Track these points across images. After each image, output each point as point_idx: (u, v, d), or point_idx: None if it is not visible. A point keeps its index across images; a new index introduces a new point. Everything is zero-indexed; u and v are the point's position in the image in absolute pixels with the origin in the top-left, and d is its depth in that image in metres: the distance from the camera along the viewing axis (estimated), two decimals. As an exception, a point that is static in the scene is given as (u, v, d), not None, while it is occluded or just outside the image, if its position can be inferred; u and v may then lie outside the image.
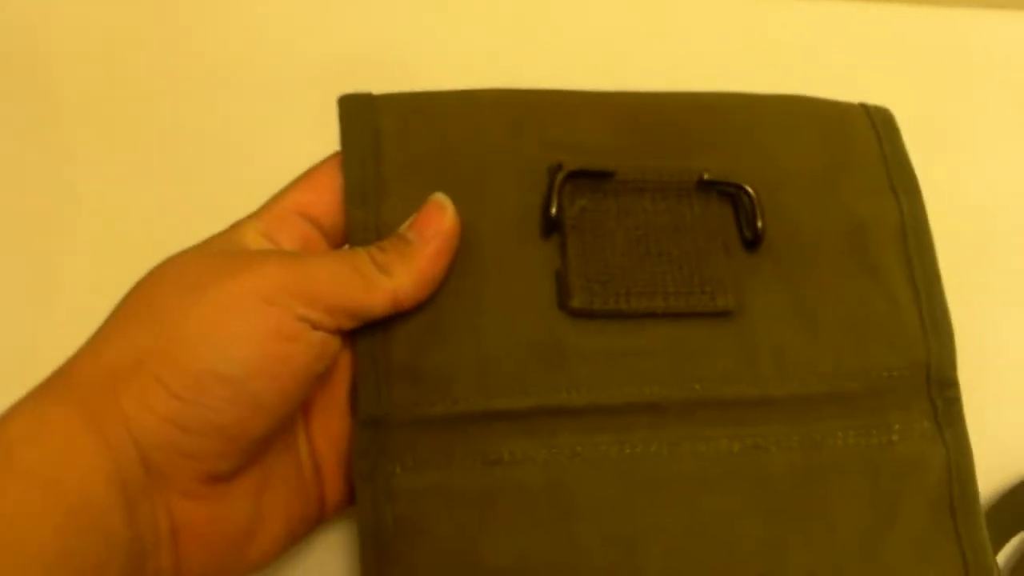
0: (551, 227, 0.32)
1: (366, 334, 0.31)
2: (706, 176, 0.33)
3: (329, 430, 0.32)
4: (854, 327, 0.33)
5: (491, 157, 0.33)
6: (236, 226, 0.31)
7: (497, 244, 0.32)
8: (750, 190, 0.33)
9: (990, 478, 0.37)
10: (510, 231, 0.32)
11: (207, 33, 0.48)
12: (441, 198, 0.31)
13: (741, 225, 0.33)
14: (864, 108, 0.37)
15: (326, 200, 0.32)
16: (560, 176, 0.32)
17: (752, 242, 0.33)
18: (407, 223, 0.31)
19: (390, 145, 0.33)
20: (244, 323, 0.28)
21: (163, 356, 0.27)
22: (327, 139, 0.33)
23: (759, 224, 0.32)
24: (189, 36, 0.47)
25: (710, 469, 0.31)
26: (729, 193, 0.33)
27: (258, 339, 0.28)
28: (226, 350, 0.27)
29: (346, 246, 0.32)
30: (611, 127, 0.34)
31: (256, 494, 0.30)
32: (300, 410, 0.32)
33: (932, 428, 0.32)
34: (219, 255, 0.30)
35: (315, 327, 0.29)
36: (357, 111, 0.33)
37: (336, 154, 0.33)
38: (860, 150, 0.36)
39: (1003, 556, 0.37)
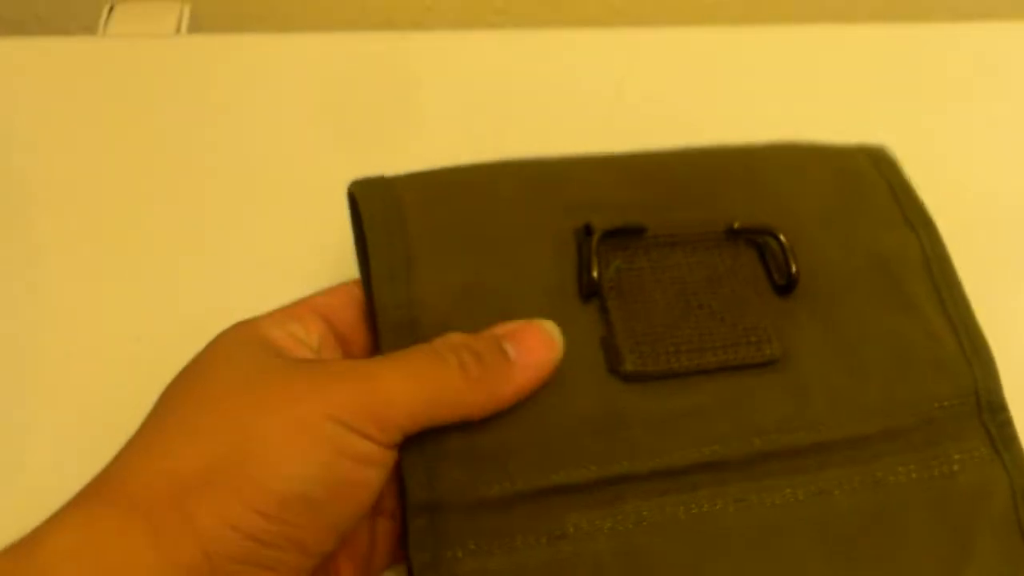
0: (591, 291, 0.32)
1: None
2: (736, 225, 0.33)
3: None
4: (898, 362, 0.33)
5: (516, 225, 0.33)
6: (253, 324, 0.31)
7: (537, 312, 0.31)
8: (781, 236, 0.33)
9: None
10: (548, 298, 0.32)
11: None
12: (553, 329, 0.30)
13: (770, 271, 0.33)
14: (862, 149, 0.38)
15: (345, 309, 0.32)
16: (596, 237, 0.32)
17: (786, 287, 0.33)
18: (506, 332, 0.30)
19: (414, 218, 0.32)
20: (318, 447, 0.27)
21: (243, 471, 0.26)
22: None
23: (793, 268, 0.33)
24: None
25: (777, 519, 0.30)
26: (755, 241, 0.34)
27: (333, 463, 0.27)
28: (310, 474, 0.27)
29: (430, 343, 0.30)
30: (629, 182, 0.34)
31: None
32: None
33: (990, 454, 0.32)
34: (281, 364, 0.29)
35: (389, 445, 0.28)
36: (373, 190, 0.33)
37: (355, 280, 0.33)
38: (869, 189, 0.37)
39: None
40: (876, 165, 0.37)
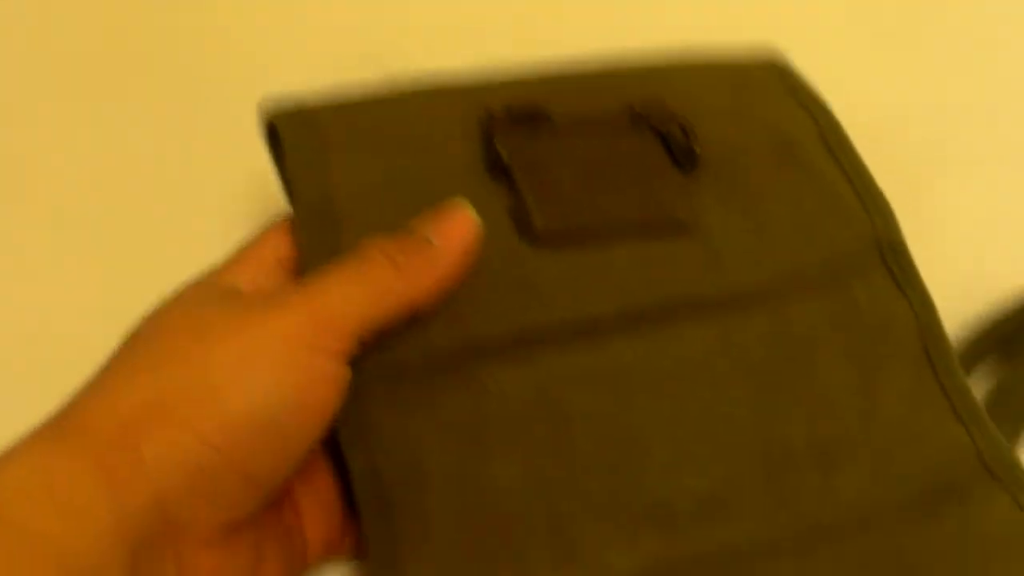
0: (497, 167, 0.33)
1: None
2: (638, 108, 0.35)
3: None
4: (800, 216, 0.35)
5: (426, 118, 0.34)
6: (217, 273, 0.31)
7: (448, 187, 0.32)
8: (680, 118, 0.35)
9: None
10: (460, 179, 0.33)
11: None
12: (467, 207, 0.31)
13: (674, 154, 0.34)
14: (754, 53, 0.40)
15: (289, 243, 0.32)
16: (500, 115, 0.33)
17: (688, 164, 0.34)
18: (425, 221, 0.30)
19: (327, 117, 0.34)
20: (274, 366, 0.27)
21: (191, 403, 0.26)
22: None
23: (696, 148, 0.34)
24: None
25: (692, 363, 0.31)
26: (657, 128, 0.35)
27: (290, 381, 0.27)
28: (259, 394, 0.27)
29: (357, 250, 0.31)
30: (537, 81, 0.36)
31: (258, 538, 0.29)
32: None
33: (894, 290, 0.34)
34: (228, 298, 0.29)
35: (341, 359, 0.28)
36: (283, 104, 0.34)
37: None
38: (763, 82, 0.39)
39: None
40: (770, 67, 0.39)
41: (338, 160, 0.33)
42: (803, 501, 0.30)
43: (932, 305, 0.34)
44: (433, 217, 0.31)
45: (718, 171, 0.35)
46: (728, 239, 0.33)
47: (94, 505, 0.25)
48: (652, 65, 0.38)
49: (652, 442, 0.30)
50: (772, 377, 0.32)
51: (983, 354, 0.38)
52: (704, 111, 0.36)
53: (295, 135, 0.33)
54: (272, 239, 0.32)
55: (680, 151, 0.34)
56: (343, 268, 0.29)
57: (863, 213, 0.35)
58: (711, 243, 0.33)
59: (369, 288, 0.28)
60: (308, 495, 0.31)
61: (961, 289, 0.37)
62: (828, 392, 0.32)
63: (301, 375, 0.27)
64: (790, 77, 0.39)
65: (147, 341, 0.28)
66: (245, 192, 0.42)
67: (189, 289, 0.30)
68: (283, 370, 0.27)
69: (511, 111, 0.34)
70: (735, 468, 0.30)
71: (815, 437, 0.31)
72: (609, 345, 0.31)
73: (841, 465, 0.31)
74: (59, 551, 0.24)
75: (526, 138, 0.33)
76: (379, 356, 0.30)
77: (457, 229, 0.30)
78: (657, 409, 0.31)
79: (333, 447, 0.31)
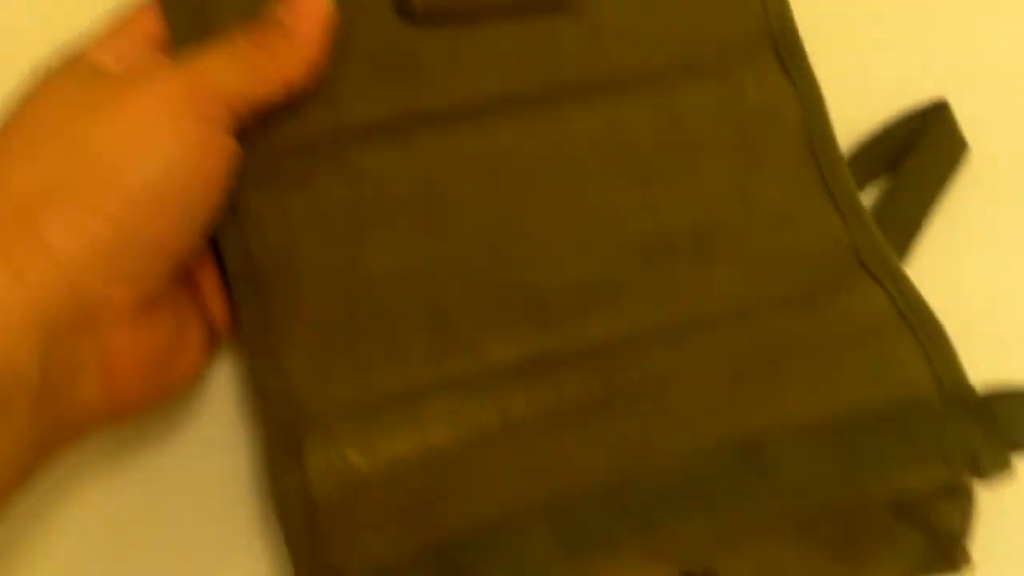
0: None
1: None
2: None
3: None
4: (693, 2, 0.33)
5: None
6: (86, 50, 0.30)
7: None
8: None
9: (852, 127, 0.38)
10: None
11: None
12: None
13: None
14: None
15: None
16: None
17: None
18: (277, 5, 0.30)
19: None
20: (162, 136, 0.27)
21: (85, 182, 0.26)
22: None
23: None
24: None
25: (574, 149, 0.31)
26: None
27: (181, 149, 0.27)
28: (153, 164, 0.27)
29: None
30: None
31: (176, 312, 0.30)
32: None
33: (783, 80, 0.34)
34: (100, 77, 0.29)
35: (221, 129, 0.28)
36: None
37: None
38: None
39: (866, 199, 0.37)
40: None
41: None
42: (681, 292, 0.31)
43: (819, 95, 0.34)
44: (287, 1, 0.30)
45: None
46: (613, 18, 0.32)
47: (5, 299, 0.25)
48: None
49: (533, 230, 0.30)
50: (656, 164, 0.31)
51: (872, 173, 0.37)
52: None
53: None
54: (140, 16, 0.31)
55: None
56: (212, 47, 0.29)
57: (759, 3, 0.34)
58: (596, 22, 0.32)
59: (238, 65, 0.29)
60: (209, 278, 0.31)
61: (854, 104, 0.36)
62: (711, 181, 0.32)
63: (190, 143, 0.27)
64: None
65: (23, 128, 0.28)
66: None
67: (55, 71, 0.29)
68: (171, 139, 0.27)
69: None
70: (616, 258, 0.31)
71: (696, 226, 0.31)
72: (491, 128, 0.31)
73: (719, 255, 0.31)
74: None
75: None
76: (255, 139, 0.29)
77: (308, 7, 0.30)
78: (539, 196, 0.30)
79: None
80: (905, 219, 0.36)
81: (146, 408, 0.30)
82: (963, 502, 0.30)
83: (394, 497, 0.29)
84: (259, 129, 0.29)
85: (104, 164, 0.26)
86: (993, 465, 0.29)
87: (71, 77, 0.29)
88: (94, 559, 0.33)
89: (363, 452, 0.29)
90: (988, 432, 0.29)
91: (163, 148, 0.27)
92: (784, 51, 0.34)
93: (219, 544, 0.33)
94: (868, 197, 0.37)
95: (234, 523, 0.33)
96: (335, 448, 0.29)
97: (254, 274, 0.29)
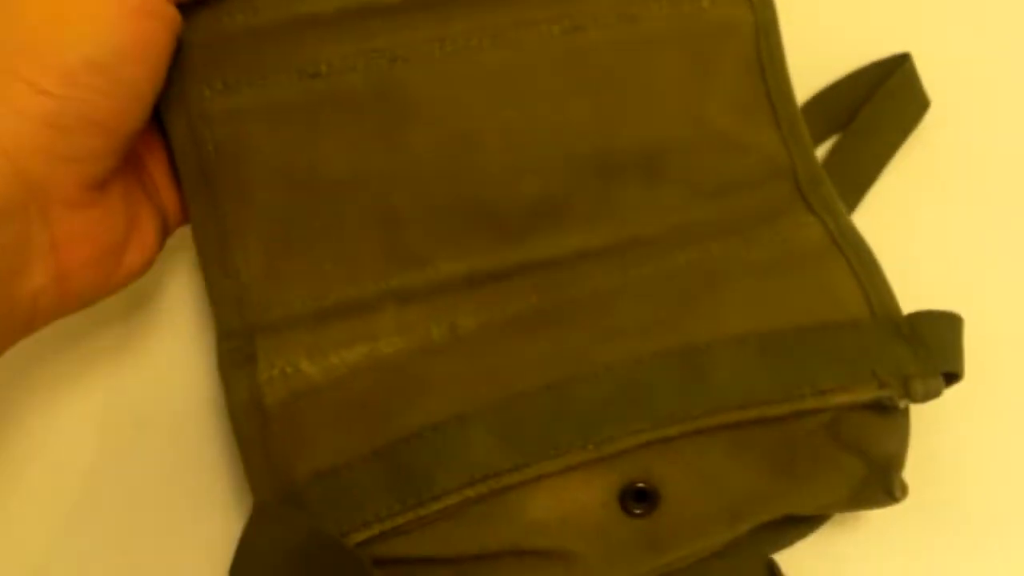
0: None
1: None
2: None
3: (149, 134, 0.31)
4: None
5: None
6: None
7: None
8: None
9: (811, 79, 0.38)
10: None
11: None
12: None
13: None
14: None
15: None
16: None
17: None
18: None
19: None
20: (95, 2, 0.26)
21: (21, 53, 0.25)
22: None
23: None
24: None
25: (534, 56, 0.31)
26: None
27: (121, 18, 0.26)
28: (91, 34, 0.26)
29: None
30: None
31: (127, 198, 0.29)
32: None
33: None
34: None
35: None
36: None
37: None
38: None
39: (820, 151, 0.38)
40: None
41: None
42: (628, 213, 0.31)
43: (774, 15, 0.34)
44: None
45: None
46: None
47: None
48: None
49: (487, 141, 0.30)
50: (613, 73, 0.31)
51: (831, 126, 0.38)
52: None
53: None
54: None
55: None
56: None
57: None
58: None
59: None
60: (158, 164, 0.31)
61: (813, 56, 0.36)
62: (664, 96, 0.32)
63: (128, 8, 0.26)
64: None
65: None
66: None
67: None
68: (103, 7, 0.26)
69: None
70: (568, 175, 0.31)
71: (647, 146, 0.31)
72: (449, 30, 0.30)
73: (668, 177, 0.31)
74: None
75: None
76: (202, 23, 0.29)
77: None
78: (495, 101, 0.30)
79: None
80: (857, 169, 0.37)
81: (97, 297, 0.29)
82: (898, 427, 0.31)
83: (344, 404, 0.29)
84: (206, 12, 0.29)
85: (41, 35, 0.25)
86: (923, 386, 0.29)
87: None
88: (54, 473, 0.33)
89: (315, 361, 0.29)
90: (917, 354, 0.30)
91: (99, 18, 0.26)
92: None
93: (177, 459, 0.33)
94: (825, 151, 0.38)
95: (195, 435, 0.34)
96: (287, 357, 0.29)
97: (203, 168, 0.29)
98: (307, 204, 0.29)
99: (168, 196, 0.31)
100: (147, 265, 0.30)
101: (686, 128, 0.32)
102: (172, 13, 0.28)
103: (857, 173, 0.37)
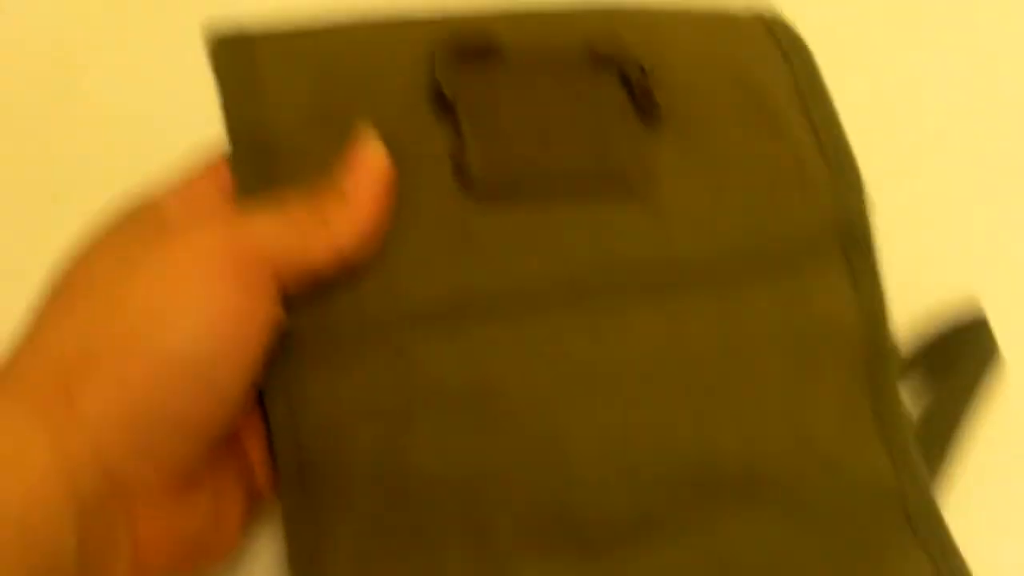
0: (440, 103, 0.30)
1: None
2: (599, 48, 0.32)
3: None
4: (764, 187, 0.32)
5: (373, 47, 0.32)
6: (153, 198, 0.29)
7: (389, 123, 0.30)
8: (644, 64, 0.32)
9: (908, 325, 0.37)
10: (401, 112, 0.31)
11: None
12: (368, 139, 0.29)
13: (637, 99, 0.32)
14: (751, 10, 0.37)
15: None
16: (448, 50, 0.31)
17: (649, 115, 0.32)
18: (339, 168, 0.29)
19: (264, 44, 0.31)
20: (197, 298, 0.25)
21: (117, 344, 0.25)
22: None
23: (657, 96, 0.32)
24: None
25: (632, 353, 0.30)
26: (622, 71, 0.32)
27: (209, 319, 0.25)
28: (181, 332, 0.25)
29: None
30: (502, 18, 0.33)
31: (216, 491, 0.28)
32: None
33: (848, 288, 0.32)
34: (153, 231, 0.28)
35: (263, 295, 0.27)
36: (224, 32, 0.32)
37: None
38: (746, 28, 0.36)
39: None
40: (757, 18, 0.36)
41: (275, 88, 0.30)
42: (725, 536, 0.29)
43: (883, 308, 0.32)
44: (345, 162, 0.29)
45: (682, 123, 0.32)
46: (682, 205, 0.31)
47: (39, 460, 0.24)
48: (621, 5, 0.35)
49: (582, 448, 0.29)
50: (714, 378, 0.30)
51: (914, 366, 0.37)
52: (673, 54, 0.33)
53: (229, 62, 0.31)
54: (214, 168, 0.30)
55: (642, 98, 0.32)
56: (264, 207, 0.28)
57: (831, 191, 0.33)
58: (663, 209, 0.31)
59: (288, 228, 0.27)
60: (255, 446, 0.30)
61: (906, 291, 0.35)
62: (766, 405, 0.30)
63: (227, 308, 0.26)
64: (778, 27, 0.36)
65: (74, 282, 0.27)
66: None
67: (119, 220, 0.29)
68: (207, 303, 0.25)
69: (460, 43, 0.31)
70: (663, 489, 0.29)
71: (747, 462, 0.30)
72: (548, 320, 0.29)
73: (768, 498, 0.30)
74: (9, 507, 0.23)
75: (475, 74, 0.31)
76: (310, 314, 0.28)
77: (363, 170, 0.29)
78: (593, 404, 0.29)
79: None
80: (939, 444, 0.35)
81: None
82: None
83: None
84: (313, 299, 0.29)
85: (134, 330, 0.25)
86: None
87: (126, 228, 0.28)
88: None
89: None
90: None
91: (195, 314, 0.25)
92: (852, 250, 0.32)
93: None
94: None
95: None
96: None
97: (300, 458, 0.28)
98: (398, 507, 0.29)
99: (261, 474, 0.30)
100: (229, 553, 0.30)
101: (787, 444, 0.30)
102: (275, 313, 0.27)
103: (938, 449, 0.34)
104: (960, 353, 0.36)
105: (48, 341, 0.26)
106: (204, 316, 0.25)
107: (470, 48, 0.31)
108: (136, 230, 0.28)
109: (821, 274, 0.32)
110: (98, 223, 0.29)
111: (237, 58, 0.31)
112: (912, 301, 0.37)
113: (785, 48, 0.35)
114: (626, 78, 0.32)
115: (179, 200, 0.29)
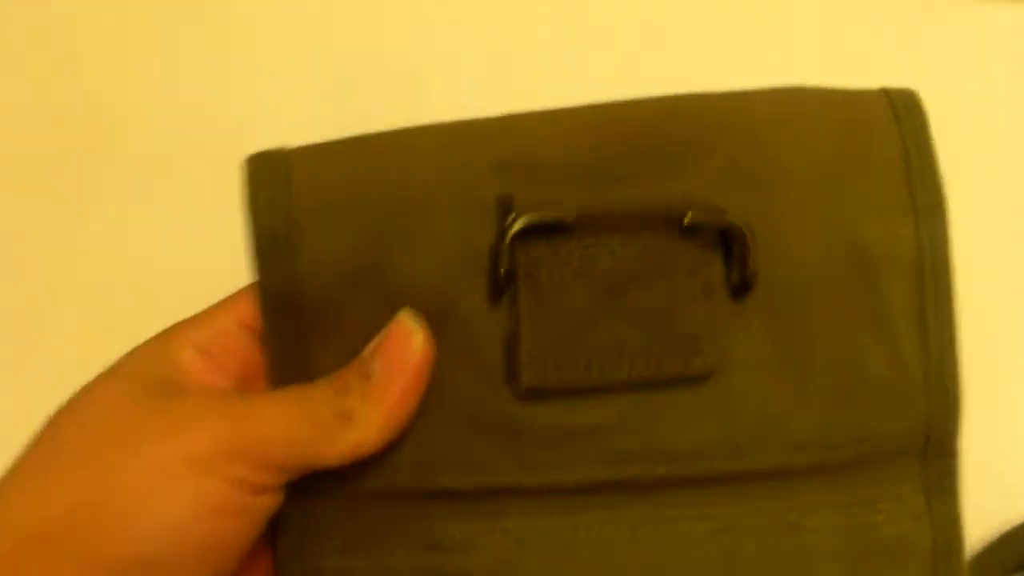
0: (500, 288, 0.27)
1: None
2: (687, 220, 0.27)
3: None
4: (849, 388, 0.28)
5: (425, 186, 0.27)
6: (170, 335, 0.28)
7: (436, 298, 0.27)
8: (743, 229, 0.27)
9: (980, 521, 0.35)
10: (452, 281, 0.27)
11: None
12: (408, 320, 0.27)
13: (730, 267, 0.28)
14: (885, 94, 0.30)
15: None
16: (510, 233, 0.27)
17: (740, 288, 0.28)
18: (371, 347, 0.27)
19: (303, 183, 0.28)
20: (175, 498, 0.24)
21: (80, 534, 0.24)
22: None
23: (750, 269, 0.27)
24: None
25: (674, 556, 0.27)
26: (718, 232, 0.28)
27: (191, 516, 0.24)
28: (153, 531, 0.24)
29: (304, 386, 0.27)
30: (571, 140, 0.28)
31: None
32: None
33: (922, 505, 0.29)
34: (150, 396, 0.26)
35: (259, 491, 0.25)
36: (263, 160, 0.28)
37: None
38: (877, 147, 0.29)
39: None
40: (897, 118, 0.30)
41: (312, 238, 0.27)
42: None
43: (959, 529, 0.29)
44: (379, 345, 0.27)
45: (774, 295, 0.28)
46: (754, 398, 0.28)
47: None
48: (735, 106, 0.29)
49: None
50: None
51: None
52: (785, 190, 0.28)
53: (263, 214, 0.28)
54: (237, 302, 0.28)
55: (736, 266, 0.28)
56: (283, 399, 0.26)
57: (924, 402, 0.28)
58: (731, 402, 0.28)
59: (304, 426, 0.26)
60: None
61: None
62: None
63: (206, 509, 0.24)
64: (916, 140, 0.30)
65: (68, 441, 0.26)
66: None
67: (130, 357, 0.27)
68: (185, 501, 0.24)
69: (530, 223, 0.27)
70: None
71: None
72: (585, 518, 0.27)
73: None
74: None
75: (545, 245, 0.27)
76: (334, 482, 0.27)
77: (397, 355, 0.26)
78: None
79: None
80: None
81: None
82: None
83: None
84: (329, 477, 0.27)
85: (103, 520, 0.24)
86: None
87: (124, 383, 0.27)
88: None
89: None
90: None
91: (168, 517, 0.24)
92: (933, 466, 0.29)
93: None
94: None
95: None
96: None
97: None
98: None
99: None
100: None
101: None
102: (258, 505, 0.26)
103: None
104: None
105: (37, 503, 0.25)
106: (174, 523, 0.24)
107: (541, 225, 0.27)
108: (139, 393, 0.26)
109: (893, 491, 0.29)
110: (114, 368, 0.27)
111: (273, 204, 0.28)
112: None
113: (915, 192, 0.29)
114: (725, 237, 0.28)
115: (194, 338, 0.28)
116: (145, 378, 0.27)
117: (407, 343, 0.26)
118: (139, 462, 0.24)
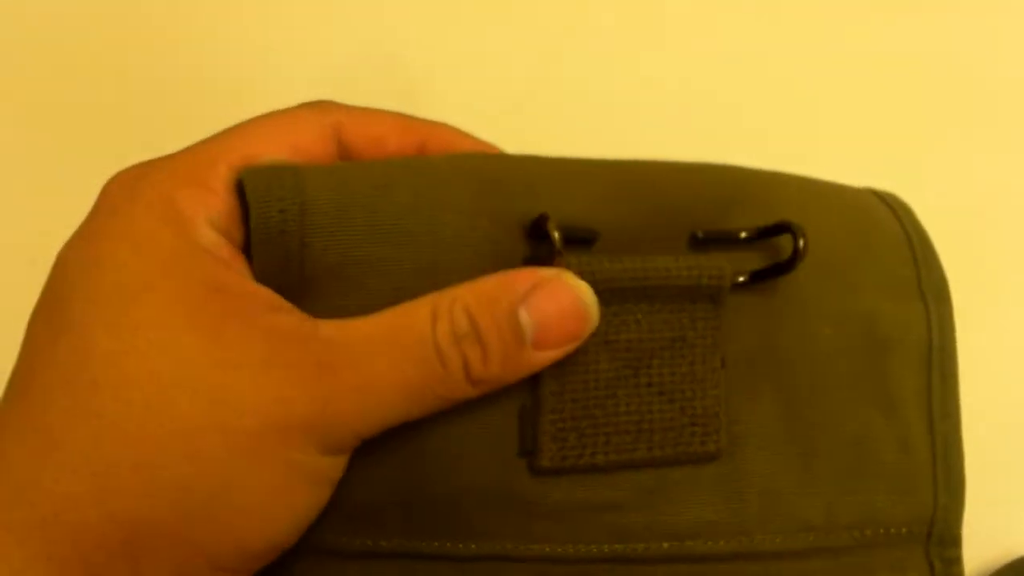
0: None
1: None
2: (737, 280, 0.27)
3: None
4: (856, 470, 0.29)
5: (453, 246, 0.26)
6: (177, 205, 0.23)
7: None
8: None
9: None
10: None
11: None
12: (589, 297, 0.25)
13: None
14: (872, 192, 0.32)
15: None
16: None
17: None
18: (526, 307, 0.24)
19: (317, 227, 0.25)
20: (273, 487, 0.22)
21: (217, 527, 0.22)
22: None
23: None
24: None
25: None
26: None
27: (299, 494, 0.23)
28: (288, 525, 0.23)
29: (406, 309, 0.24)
30: (601, 198, 0.28)
31: None
32: None
33: None
34: (204, 317, 0.22)
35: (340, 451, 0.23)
36: (267, 179, 0.25)
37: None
38: (883, 234, 0.31)
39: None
40: (893, 210, 0.32)
41: (329, 294, 0.25)
42: None
43: None
44: (538, 292, 0.24)
45: (789, 371, 0.28)
46: (762, 475, 0.28)
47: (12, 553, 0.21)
48: (762, 178, 0.30)
49: None
50: None
51: None
52: (809, 262, 0.28)
53: (274, 276, 0.25)
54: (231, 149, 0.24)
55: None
56: (404, 348, 0.23)
57: (930, 489, 0.29)
58: (739, 478, 0.28)
59: (420, 391, 0.23)
60: None
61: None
62: None
63: (296, 476, 0.23)
64: (916, 233, 0.31)
65: (126, 370, 0.21)
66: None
67: (140, 229, 0.22)
68: (277, 479, 0.22)
69: None
70: None
71: None
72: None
73: None
74: None
75: None
76: (317, 540, 0.26)
77: (566, 329, 0.24)
78: None
79: None
80: None
81: None
82: None
83: None
84: (329, 521, 0.26)
85: (242, 513, 0.22)
86: None
87: (141, 247, 0.22)
88: None
89: None
90: None
91: (293, 493, 0.23)
92: (936, 557, 0.29)
93: None
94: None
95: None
96: None
97: None
98: None
99: None
100: None
101: None
102: (338, 466, 0.24)
103: None
104: None
105: (109, 490, 0.21)
106: (295, 505, 0.23)
107: None
108: (195, 300, 0.22)
109: (898, 572, 0.29)
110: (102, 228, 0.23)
111: (287, 261, 0.25)
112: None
113: (924, 282, 0.31)
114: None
115: (217, 232, 0.24)
116: (187, 276, 0.22)
117: (581, 322, 0.25)
118: (233, 439, 0.21)
